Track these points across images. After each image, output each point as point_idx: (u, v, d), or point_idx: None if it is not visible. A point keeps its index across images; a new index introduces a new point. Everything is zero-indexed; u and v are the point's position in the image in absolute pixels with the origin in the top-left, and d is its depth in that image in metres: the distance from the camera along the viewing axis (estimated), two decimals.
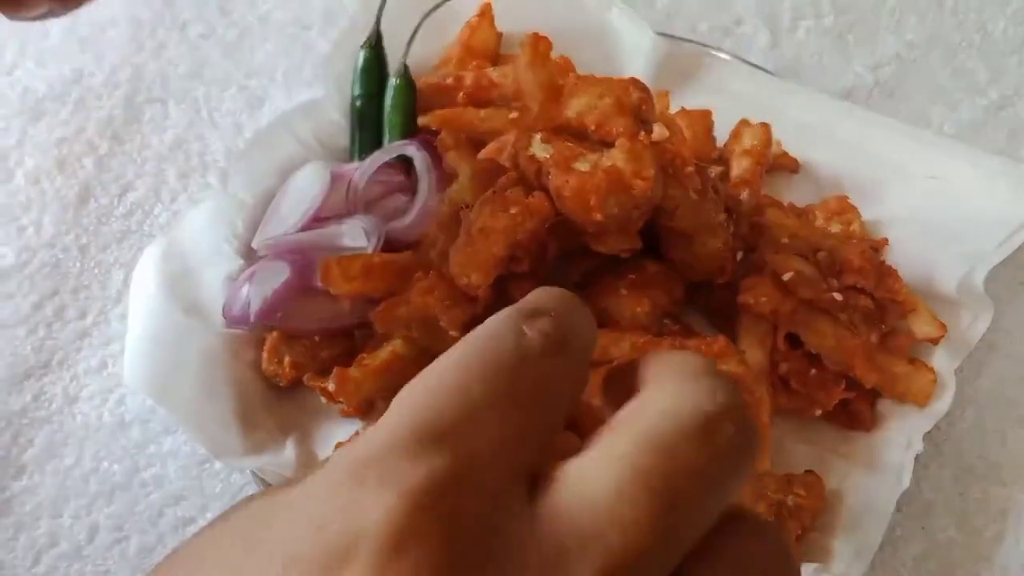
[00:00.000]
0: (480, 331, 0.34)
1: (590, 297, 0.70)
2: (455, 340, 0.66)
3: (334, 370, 0.68)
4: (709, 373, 0.34)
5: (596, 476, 0.31)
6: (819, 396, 0.69)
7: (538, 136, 0.68)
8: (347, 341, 0.73)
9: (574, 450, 0.33)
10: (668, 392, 0.33)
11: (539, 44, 0.77)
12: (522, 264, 0.67)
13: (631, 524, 0.30)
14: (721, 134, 0.80)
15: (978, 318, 0.72)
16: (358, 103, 0.81)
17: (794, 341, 0.70)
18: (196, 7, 0.92)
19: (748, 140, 0.79)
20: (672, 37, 0.87)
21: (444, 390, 0.32)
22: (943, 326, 0.72)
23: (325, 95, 0.81)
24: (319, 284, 0.69)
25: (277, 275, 0.71)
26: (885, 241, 0.76)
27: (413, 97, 0.81)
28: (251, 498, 0.35)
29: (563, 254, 0.70)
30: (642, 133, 0.67)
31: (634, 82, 0.70)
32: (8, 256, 0.80)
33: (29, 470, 0.73)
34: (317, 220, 0.75)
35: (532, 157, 0.67)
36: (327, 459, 0.32)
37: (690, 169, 0.68)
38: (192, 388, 0.70)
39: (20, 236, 0.81)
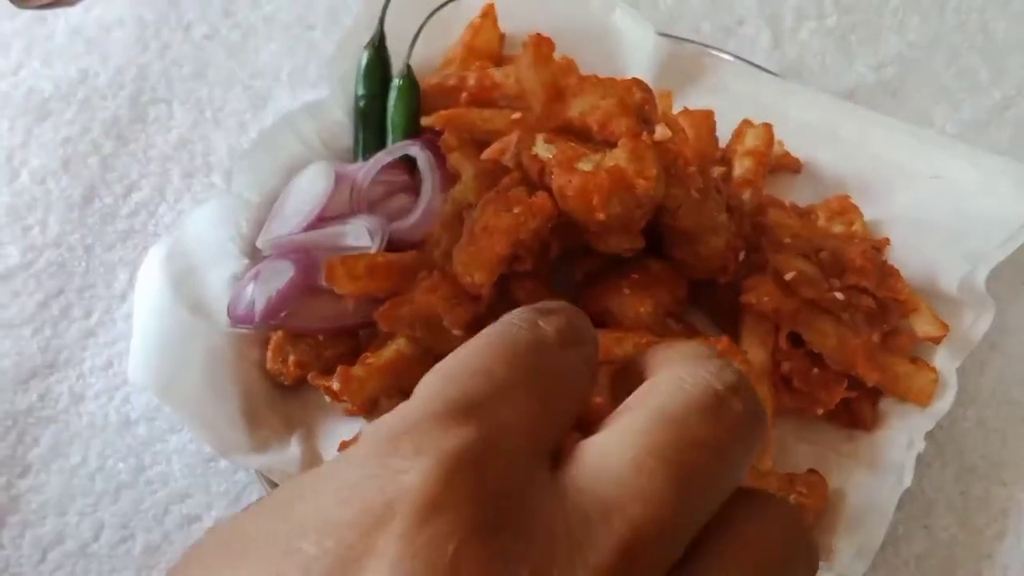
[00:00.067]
0: (498, 324, 0.36)
1: (593, 296, 0.70)
2: (458, 339, 0.67)
3: (338, 369, 0.68)
4: (714, 356, 0.36)
5: (615, 450, 0.32)
6: (821, 395, 0.69)
7: (541, 136, 0.69)
8: (351, 340, 0.73)
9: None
10: (677, 373, 0.35)
11: (541, 45, 0.77)
12: (525, 263, 0.67)
13: (650, 495, 0.31)
14: (724, 134, 0.80)
15: (980, 318, 0.73)
16: (362, 103, 0.81)
17: (796, 340, 0.70)
18: (200, 8, 0.93)
19: (750, 140, 0.79)
20: (675, 38, 0.87)
21: (469, 371, 0.34)
22: (945, 325, 0.72)
23: (329, 95, 0.81)
24: (323, 283, 0.70)
25: (281, 274, 0.71)
26: (887, 241, 0.76)
27: (416, 97, 0.81)
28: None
29: (566, 253, 0.71)
30: (645, 133, 0.67)
31: (637, 82, 0.70)
32: (14, 255, 0.80)
33: (35, 469, 0.73)
34: (321, 220, 0.75)
35: (535, 157, 0.67)
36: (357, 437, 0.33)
37: (692, 169, 0.68)
38: (197, 387, 0.70)
39: (25, 236, 0.81)
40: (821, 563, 0.64)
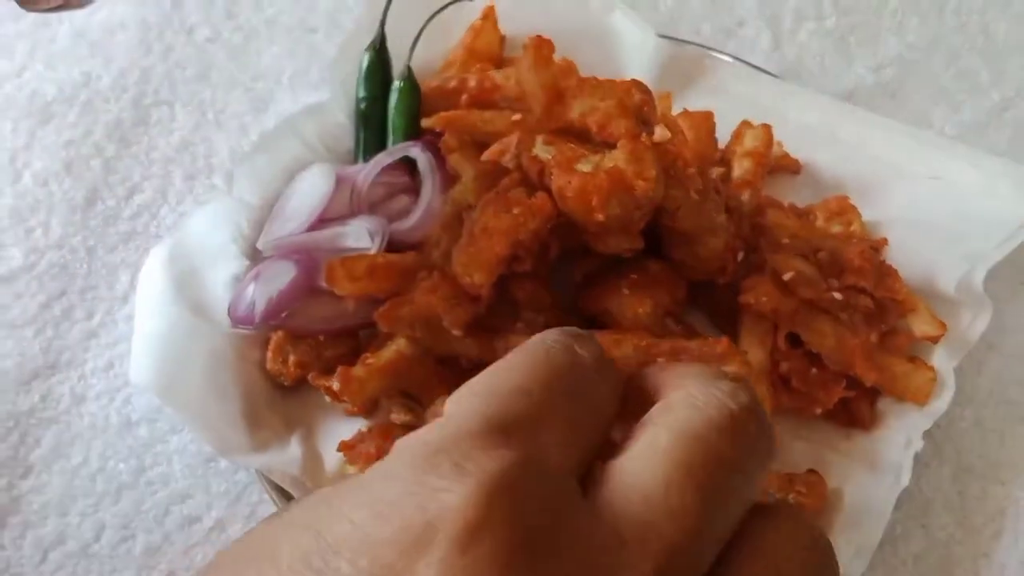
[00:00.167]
0: (535, 343, 0.37)
1: (592, 297, 0.70)
2: (458, 340, 0.67)
3: (338, 369, 0.68)
4: (724, 376, 0.37)
5: (643, 470, 0.33)
6: (819, 395, 0.70)
7: (541, 137, 0.69)
8: (351, 340, 0.73)
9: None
10: (694, 393, 0.36)
11: (541, 46, 0.77)
12: (524, 264, 0.67)
13: (681, 514, 0.32)
14: (723, 135, 0.80)
15: (977, 317, 0.73)
16: (362, 105, 0.81)
17: (795, 340, 0.70)
18: (203, 11, 0.93)
19: (750, 141, 0.79)
20: (674, 39, 0.87)
21: (508, 390, 0.34)
22: (943, 325, 0.72)
23: (330, 98, 0.82)
24: (324, 284, 0.70)
25: (282, 275, 0.72)
26: (885, 241, 0.76)
27: (417, 99, 0.81)
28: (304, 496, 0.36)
29: (565, 254, 0.71)
30: (644, 134, 0.67)
31: (636, 84, 0.70)
32: (16, 257, 0.81)
33: (37, 469, 0.73)
34: (322, 221, 0.75)
35: (535, 158, 0.68)
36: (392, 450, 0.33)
37: (692, 170, 0.69)
38: (198, 387, 0.70)
39: (28, 237, 0.81)
40: None
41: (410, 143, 0.79)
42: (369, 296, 0.70)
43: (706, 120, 0.79)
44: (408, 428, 0.69)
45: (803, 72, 0.91)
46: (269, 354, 0.72)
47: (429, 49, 0.83)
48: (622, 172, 0.64)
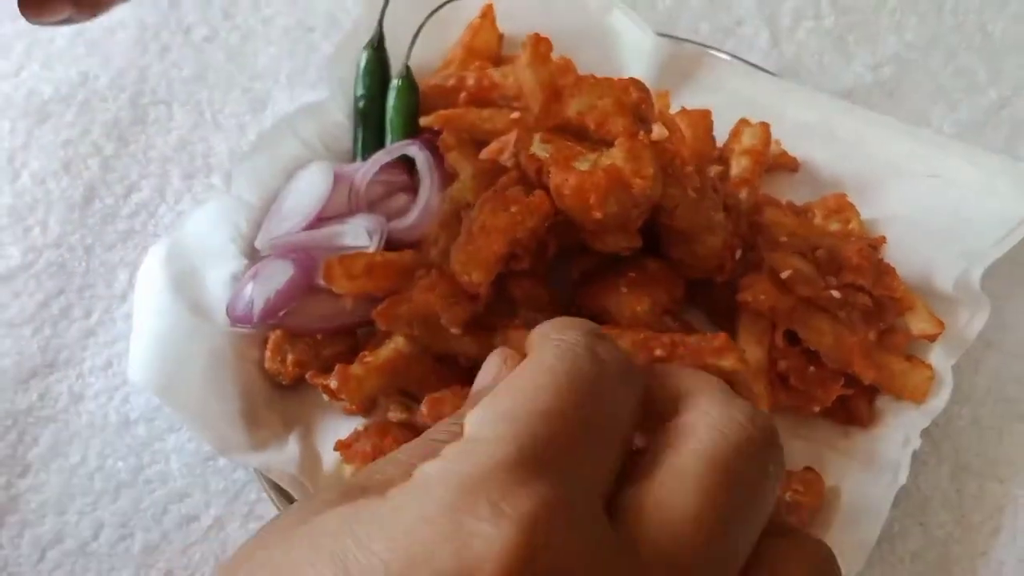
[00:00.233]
0: (558, 350, 0.37)
1: (590, 295, 0.70)
2: (456, 338, 0.67)
3: (336, 368, 0.68)
4: (739, 397, 0.38)
5: (672, 503, 0.34)
6: (817, 393, 0.70)
7: (539, 136, 0.69)
8: (349, 339, 0.73)
9: None
10: (715, 415, 0.37)
11: (539, 44, 0.77)
12: (522, 262, 0.67)
13: (708, 547, 0.33)
14: (721, 133, 0.80)
15: (975, 315, 0.73)
16: (361, 104, 0.81)
17: (793, 338, 0.70)
18: (200, 11, 0.93)
19: (747, 140, 0.79)
20: (673, 37, 0.87)
21: (537, 413, 0.34)
22: (940, 323, 0.72)
23: (329, 97, 0.82)
24: (322, 283, 0.70)
25: (280, 274, 0.72)
26: (883, 239, 0.76)
27: (415, 98, 0.81)
28: (301, 506, 0.36)
29: (563, 252, 0.71)
30: (641, 132, 0.67)
31: (633, 82, 0.70)
32: (14, 256, 0.81)
33: (35, 468, 0.73)
34: (320, 220, 0.75)
35: (533, 156, 0.68)
36: (417, 476, 0.33)
37: (689, 168, 0.69)
38: (197, 386, 0.70)
39: (26, 236, 0.81)
40: None
41: (408, 141, 0.79)
42: (367, 294, 0.70)
43: (704, 118, 0.79)
44: (405, 426, 0.70)
45: (801, 70, 0.91)
46: (267, 353, 0.72)
47: (427, 47, 0.83)
48: (620, 170, 0.64)
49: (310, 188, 0.76)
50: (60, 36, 0.91)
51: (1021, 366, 0.77)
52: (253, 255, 0.76)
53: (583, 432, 0.34)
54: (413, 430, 0.69)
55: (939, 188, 0.79)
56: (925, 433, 0.70)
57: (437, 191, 0.76)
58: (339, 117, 0.82)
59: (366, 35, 0.82)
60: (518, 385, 0.36)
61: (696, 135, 0.78)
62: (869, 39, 0.92)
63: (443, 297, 0.67)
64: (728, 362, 0.65)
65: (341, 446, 0.69)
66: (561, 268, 0.72)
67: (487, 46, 0.85)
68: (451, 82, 0.81)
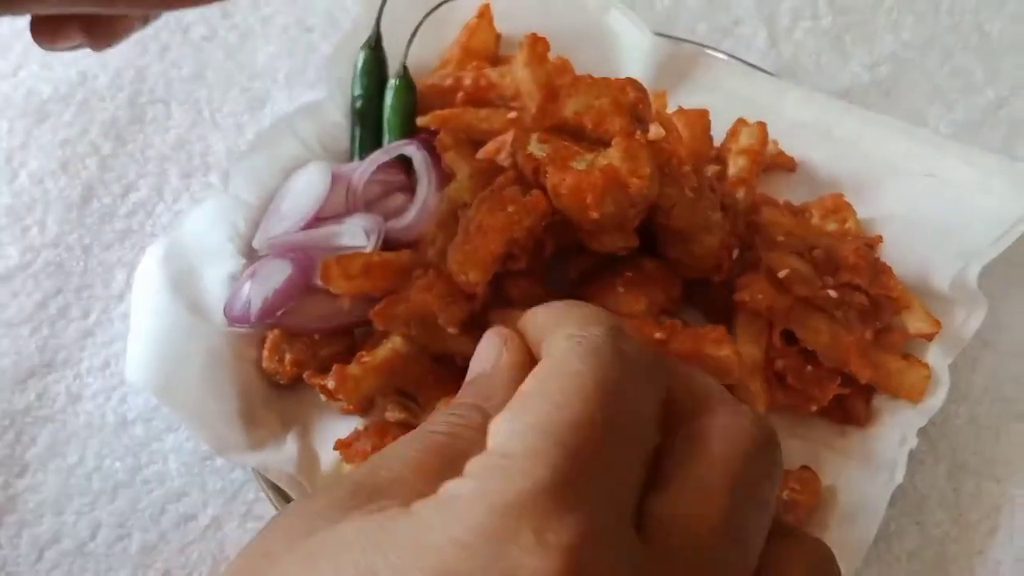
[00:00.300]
0: (584, 352, 0.37)
1: (587, 295, 0.70)
2: (453, 337, 0.67)
3: (334, 367, 0.68)
4: (742, 403, 0.39)
5: (695, 517, 0.35)
6: (814, 392, 0.70)
7: (536, 135, 0.69)
8: (347, 339, 0.74)
9: None
10: (727, 424, 0.38)
11: (537, 44, 0.78)
12: (519, 262, 0.67)
13: (728, 559, 0.35)
14: (718, 133, 0.80)
15: (972, 315, 0.73)
16: (358, 104, 0.81)
17: (790, 338, 0.71)
18: (199, 10, 0.93)
19: (745, 139, 0.79)
20: (670, 37, 0.87)
21: (570, 424, 0.34)
22: (937, 322, 0.72)
23: (327, 96, 0.82)
24: (319, 283, 0.70)
25: (278, 274, 0.72)
26: (880, 239, 0.77)
27: (413, 98, 0.81)
28: (304, 509, 0.36)
29: (560, 252, 0.71)
30: (638, 132, 0.67)
31: (631, 82, 0.70)
32: (12, 256, 0.81)
33: (32, 468, 0.73)
34: (318, 219, 0.75)
35: (530, 156, 0.68)
36: (445, 490, 0.33)
37: (686, 168, 0.69)
38: (195, 386, 0.70)
39: (24, 236, 0.82)
40: None
41: (406, 141, 0.79)
42: (365, 294, 0.70)
43: (701, 118, 0.79)
44: (404, 426, 0.70)
45: (799, 70, 0.91)
46: (265, 353, 0.73)
47: (425, 47, 0.83)
48: (616, 170, 0.64)
49: (308, 188, 0.76)
50: None
51: (1018, 365, 0.77)
52: (251, 255, 0.76)
53: (614, 443, 0.34)
54: (411, 430, 0.69)
55: (936, 188, 0.79)
56: (922, 432, 0.70)
57: (434, 191, 0.76)
58: (337, 117, 0.82)
59: (364, 35, 0.82)
60: (544, 392, 0.35)
61: (693, 135, 0.78)
62: (866, 39, 0.93)
63: (440, 297, 0.67)
64: (725, 351, 0.66)
65: (341, 445, 0.69)
66: (558, 268, 0.72)
67: (484, 46, 0.85)
68: (448, 82, 0.81)
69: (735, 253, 0.71)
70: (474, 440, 0.38)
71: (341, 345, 0.73)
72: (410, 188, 0.78)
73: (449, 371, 0.70)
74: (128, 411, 0.75)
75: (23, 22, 0.54)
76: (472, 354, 0.67)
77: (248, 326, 0.72)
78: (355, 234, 0.74)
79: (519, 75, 0.78)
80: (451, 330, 0.67)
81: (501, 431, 0.35)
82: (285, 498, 0.69)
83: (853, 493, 0.68)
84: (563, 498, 0.31)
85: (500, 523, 0.31)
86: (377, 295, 0.69)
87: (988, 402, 0.75)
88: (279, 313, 0.71)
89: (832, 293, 0.70)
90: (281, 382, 0.73)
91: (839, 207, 0.78)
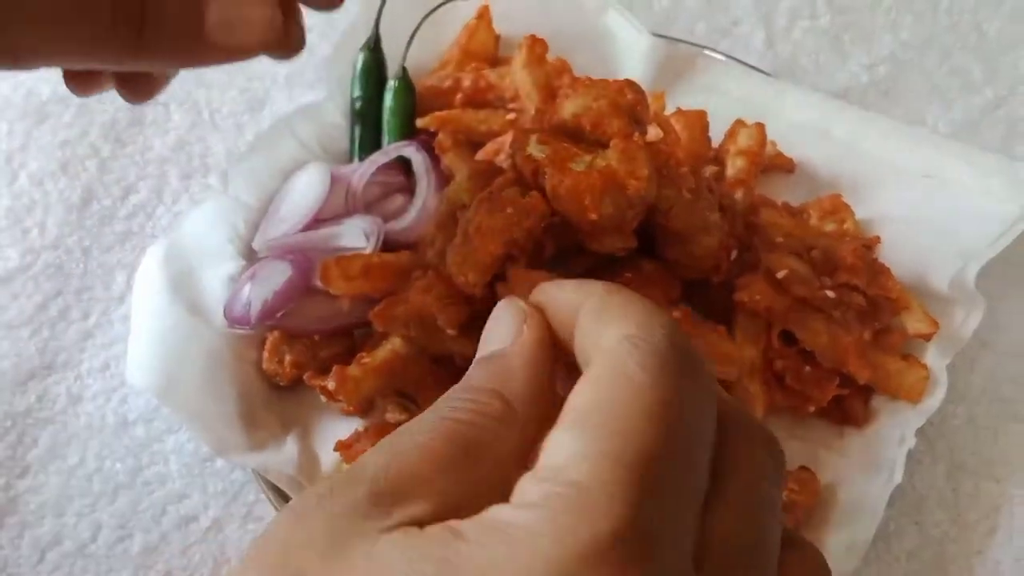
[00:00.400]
0: (653, 366, 0.34)
1: None
2: (453, 339, 0.67)
3: (334, 369, 0.69)
4: (775, 441, 0.39)
5: (735, 543, 0.35)
6: (813, 393, 0.70)
7: (534, 137, 0.69)
8: (347, 340, 0.74)
9: None
10: (761, 463, 0.38)
11: (535, 46, 0.78)
12: (519, 263, 0.67)
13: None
14: (717, 134, 0.80)
15: (970, 315, 0.73)
16: (357, 105, 0.81)
17: (788, 338, 0.71)
18: None
19: (743, 140, 0.79)
20: (668, 38, 0.87)
21: (648, 460, 0.32)
22: (936, 323, 0.72)
23: (326, 98, 0.82)
24: (319, 284, 0.70)
25: (277, 275, 0.72)
26: (878, 239, 0.77)
27: (412, 99, 0.81)
28: (321, 511, 0.34)
29: (559, 253, 0.71)
30: (636, 134, 0.67)
31: (629, 84, 0.70)
32: (12, 258, 0.81)
33: (33, 470, 0.74)
34: (317, 221, 0.75)
35: (529, 157, 0.68)
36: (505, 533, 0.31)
37: (684, 169, 0.69)
38: (195, 387, 0.70)
39: (24, 238, 0.82)
40: None
41: (405, 143, 0.79)
42: (364, 296, 0.70)
43: (700, 119, 0.79)
44: None
45: (797, 70, 0.91)
46: (265, 354, 0.73)
47: (424, 48, 0.83)
48: (615, 171, 0.65)
49: (307, 189, 0.76)
50: None
51: (1016, 365, 0.77)
52: (251, 256, 0.76)
53: (686, 471, 0.33)
54: None
55: (934, 188, 0.80)
56: (920, 432, 0.70)
57: (434, 192, 0.76)
58: (336, 118, 0.82)
59: (363, 36, 0.82)
60: (612, 411, 0.33)
61: (692, 136, 0.78)
62: (864, 39, 0.93)
63: (439, 298, 0.67)
64: (725, 348, 0.66)
65: (342, 447, 0.69)
66: (557, 269, 0.72)
67: (483, 47, 0.85)
68: (447, 83, 0.81)
69: (733, 254, 0.71)
70: (495, 432, 0.36)
71: (341, 346, 0.73)
72: (409, 189, 0.78)
73: (449, 372, 0.70)
74: (129, 412, 0.76)
75: None
76: (471, 355, 0.68)
77: (248, 327, 0.72)
78: (354, 235, 0.74)
79: (518, 76, 0.78)
80: (450, 331, 0.67)
81: (565, 452, 0.33)
82: (286, 499, 0.69)
83: (852, 493, 0.68)
84: (641, 542, 0.31)
85: (576, 569, 0.30)
86: (377, 296, 0.69)
87: (986, 402, 0.76)
88: (279, 314, 0.72)
89: (830, 294, 0.70)
90: (281, 383, 0.73)
91: (837, 208, 0.78)
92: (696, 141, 0.79)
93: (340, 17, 0.91)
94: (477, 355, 0.42)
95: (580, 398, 0.35)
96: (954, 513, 0.72)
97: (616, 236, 0.67)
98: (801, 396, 0.70)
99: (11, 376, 0.76)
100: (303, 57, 0.89)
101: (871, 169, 0.81)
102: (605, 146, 0.67)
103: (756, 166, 0.78)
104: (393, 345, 0.70)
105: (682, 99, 0.83)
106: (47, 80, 0.89)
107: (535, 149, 0.68)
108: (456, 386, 0.40)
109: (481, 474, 0.35)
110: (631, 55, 0.86)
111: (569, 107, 0.70)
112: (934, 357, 0.72)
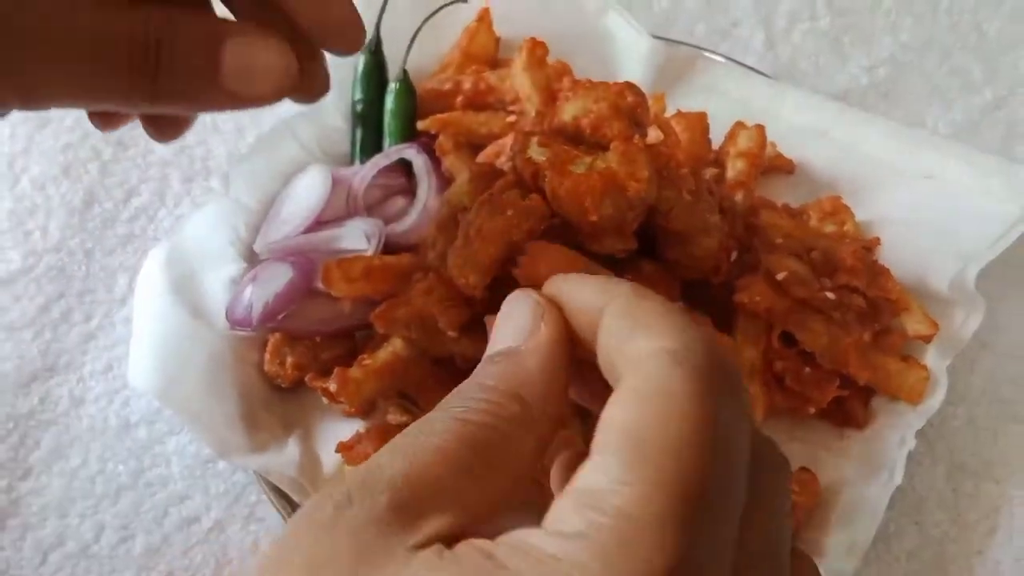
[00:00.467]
0: (700, 389, 0.33)
1: None
2: (453, 340, 0.67)
3: (335, 371, 0.69)
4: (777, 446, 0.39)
5: (765, 561, 0.35)
6: (813, 394, 0.70)
7: (535, 139, 0.69)
8: (348, 342, 0.74)
9: None
10: (783, 474, 0.39)
11: (535, 48, 0.78)
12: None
13: None
14: (717, 136, 0.80)
15: (970, 316, 0.73)
16: (358, 107, 0.82)
17: (789, 340, 0.71)
18: None
19: (743, 142, 0.79)
20: (668, 40, 0.87)
21: (698, 491, 0.31)
22: (935, 324, 0.72)
23: (327, 100, 0.82)
24: (320, 286, 0.70)
25: (279, 277, 0.72)
26: (878, 241, 0.77)
27: (413, 101, 0.82)
28: (338, 523, 0.33)
29: None
30: (636, 136, 0.67)
31: (629, 86, 0.71)
32: (15, 260, 0.81)
33: (36, 471, 0.74)
34: (318, 223, 0.76)
35: (529, 160, 0.68)
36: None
37: (684, 171, 0.69)
38: (197, 389, 0.70)
39: (26, 240, 0.82)
40: (813, 559, 0.65)
41: (406, 145, 0.79)
42: (365, 298, 0.70)
43: (700, 121, 0.80)
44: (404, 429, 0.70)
45: (797, 72, 0.91)
46: (267, 356, 0.73)
47: (424, 51, 0.83)
48: (615, 173, 0.65)
49: (308, 191, 0.77)
50: None
51: (1016, 366, 0.77)
52: (252, 258, 0.76)
53: (731, 496, 0.33)
54: None
55: (934, 189, 0.80)
56: (920, 433, 0.70)
57: (434, 194, 0.76)
58: (337, 121, 0.82)
59: (364, 39, 0.82)
60: (658, 435, 0.32)
61: (692, 137, 0.79)
62: (864, 40, 0.93)
63: (440, 300, 0.67)
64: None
65: (343, 448, 0.69)
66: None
67: (484, 50, 0.85)
68: (448, 86, 0.82)
69: (733, 255, 0.71)
70: (513, 437, 0.36)
71: (342, 348, 0.73)
72: (410, 192, 0.79)
73: (450, 373, 0.70)
74: (131, 414, 0.76)
75: None
76: (472, 356, 0.68)
77: (250, 329, 0.72)
78: (356, 237, 0.74)
79: (518, 79, 0.78)
80: (451, 333, 0.67)
81: (608, 477, 0.32)
82: (287, 501, 0.69)
83: (852, 494, 0.68)
84: (693, 574, 0.30)
85: None
86: (378, 298, 0.69)
87: (986, 403, 0.76)
88: (280, 316, 0.72)
89: (830, 295, 0.70)
90: (283, 385, 0.73)
91: (837, 209, 0.78)
92: (696, 143, 0.79)
93: None
94: (489, 349, 0.40)
95: (620, 416, 0.34)
96: (954, 513, 0.72)
97: (616, 237, 0.67)
98: (801, 397, 0.70)
99: (13, 378, 0.76)
100: None
101: (871, 171, 0.81)
102: (605, 148, 0.67)
103: (756, 168, 0.78)
104: (394, 347, 0.70)
105: (682, 101, 0.84)
106: None
107: (536, 151, 0.68)
108: (468, 383, 0.39)
109: (499, 480, 0.35)
110: (631, 57, 0.86)
111: (569, 109, 0.70)
112: (934, 358, 0.72)
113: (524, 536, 0.32)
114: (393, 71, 0.82)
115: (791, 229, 0.75)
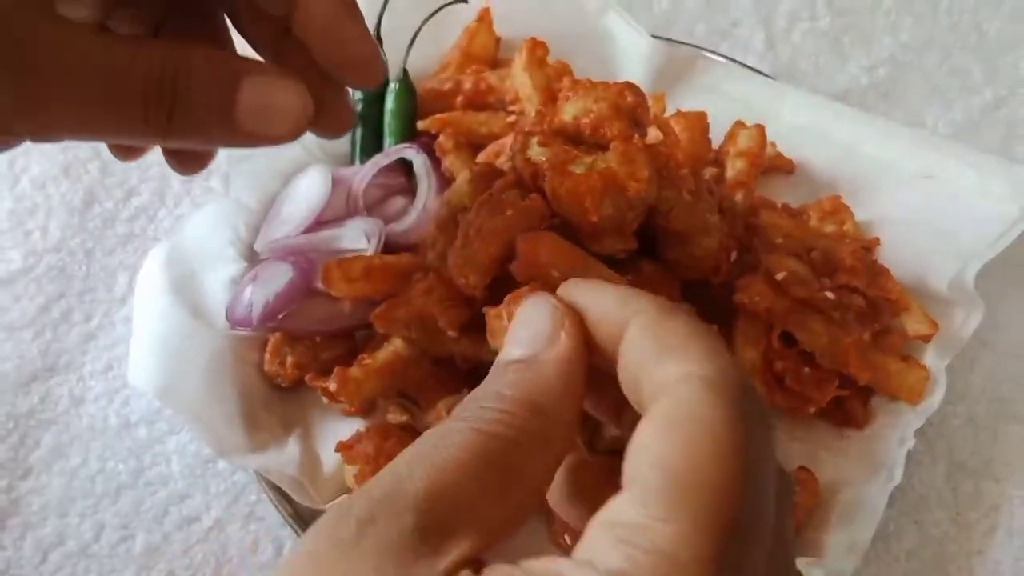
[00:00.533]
0: (735, 418, 0.33)
1: None
2: (453, 340, 0.67)
3: (335, 370, 0.69)
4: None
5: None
6: (813, 394, 0.70)
7: (535, 139, 0.69)
8: (348, 342, 0.74)
9: None
10: (787, 491, 0.37)
11: (536, 48, 0.78)
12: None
13: None
14: (717, 136, 0.80)
15: (969, 316, 0.73)
16: (359, 107, 0.82)
17: (788, 340, 0.71)
18: None
19: (743, 142, 0.79)
20: (668, 40, 0.87)
21: (730, 520, 0.31)
22: (935, 324, 0.72)
23: None
24: (320, 286, 0.70)
25: (279, 277, 0.72)
26: (877, 241, 0.77)
27: (413, 101, 0.82)
28: (356, 554, 0.32)
29: None
30: (636, 136, 0.67)
31: (629, 86, 0.71)
32: (15, 260, 0.81)
33: (36, 471, 0.74)
34: (318, 223, 0.76)
35: (529, 160, 0.68)
36: None
37: (684, 171, 0.69)
38: (197, 388, 0.70)
39: (27, 240, 0.82)
40: (813, 559, 0.65)
41: (406, 145, 0.79)
42: (365, 297, 0.70)
43: (700, 120, 0.80)
44: (405, 428, 0.70)
45: (797, 72, 0.91)
46: (267, 355, 0.73)
47: (425, 51, 0.84)
48: (615, 173, 0.65)
49: (308, 191, 0.77)
50: None
51: (1016, 366, 0.77)
52: (252, 258, 0.76)
53: (765, 532, 0.33)
54: (413, 432, 0.69)
55: (934, 189, 0.80)
56: (919, 433, 0.70)
57: (434, 194, 0.76)
58: None
59: None
60: (697, 470, 0.32)
61: (692, 137, 0.79)
62: (864, 40, 0.93)
63: (440, 300, 0.67)
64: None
65: (343, 447, 0.69)
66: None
67: (484, 50, 0.85)
68: (448, 86, 0.82)
69: (733, 255, 0.71)
70: (533, 452, 0.35)
71: (342, 348, 0.73)
72: (410, 191, 0.79)
73: (449, 373, 0.70)
74: (131, 414, 0.76)
75: None
76: (472, 356, 0.68)
77: (250, 329, 0.73)
78: (356, 237, 0.74)
79: (518, 79, 0.78)
80: (451, 333, 0.67)
81: (646, 512, 0.31)
82: (287, 500, 0.69)
83: (852, 493, 0.68)
84: None
85: None
86: (378, 298, 0.69)
87: (986, 402, 0.76)
88: (280, 316, 0.72)
89: (830, 295, 0.70)
90: (283, 385, 0.73)
91: (837, 209, 0.78)
92: (696, 143, 0.79)
93: None
94: (504, 353, 0.39)
95: (655, 447, 0.33)
96: (954, 513, 0.72)
97: (616, 237, 0.67)
98: (801, 397, 0.70)
99: (14, 378, 0.76)
100: None
101: (871, 171, 0.81)
102: (605, 148, 0.67)
103: (756, 168, 0.78)
104: (394, 346, 0.70)
105: (682, 101, 0.84)
106: None
107: (536, 151, 0.68)
108: (485, 389, 0.38)
109: (517, 496, 0.35)
110: (631, 57, 0.86)
111: (569, 109, 0.70)
112: (933, 358, 0.72)
113: (557, 568, 0.31)
114: (393, 71, 0.82)
115: (791, 229, 0.75)
